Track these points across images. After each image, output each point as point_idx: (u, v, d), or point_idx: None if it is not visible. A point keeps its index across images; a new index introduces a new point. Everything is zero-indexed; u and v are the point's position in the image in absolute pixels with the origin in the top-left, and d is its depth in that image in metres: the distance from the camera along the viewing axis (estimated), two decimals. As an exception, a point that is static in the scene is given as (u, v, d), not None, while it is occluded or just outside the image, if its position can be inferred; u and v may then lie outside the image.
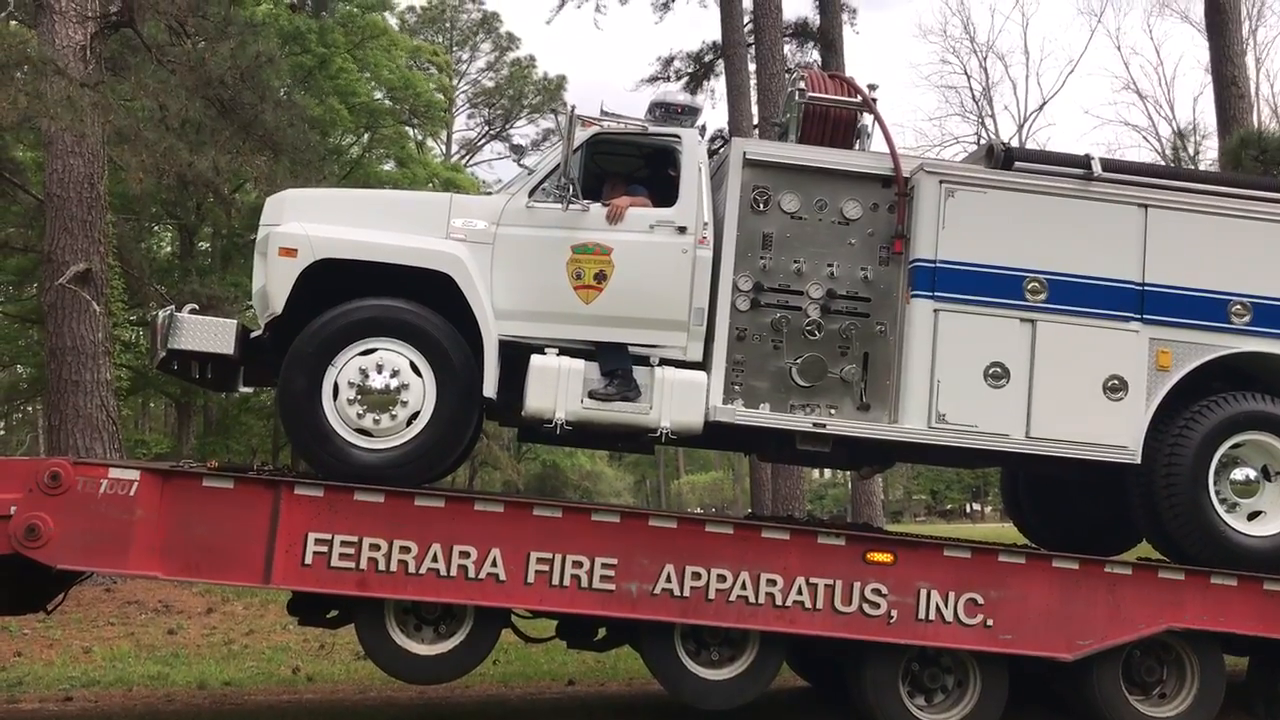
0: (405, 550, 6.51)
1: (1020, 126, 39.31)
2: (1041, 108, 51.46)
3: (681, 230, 7.02)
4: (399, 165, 35.12)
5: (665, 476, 65.55)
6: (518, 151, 42.31)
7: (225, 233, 33.05)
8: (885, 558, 6.88)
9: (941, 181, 7.12)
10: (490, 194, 7.65)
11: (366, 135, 35.22)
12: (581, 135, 7.12)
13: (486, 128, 44.86)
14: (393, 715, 8.15)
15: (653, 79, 25.91)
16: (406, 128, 37.53)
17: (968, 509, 66.82)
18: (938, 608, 6.85)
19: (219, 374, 7.60)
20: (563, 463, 50.35)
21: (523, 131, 44.72)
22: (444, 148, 43.63)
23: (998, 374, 7.02)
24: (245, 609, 13.41)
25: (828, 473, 57.28)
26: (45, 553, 6.24)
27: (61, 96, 11.14)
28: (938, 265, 7.04)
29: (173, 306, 7.02)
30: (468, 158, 44.18)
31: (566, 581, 6.64)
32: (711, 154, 7.58)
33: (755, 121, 19.29)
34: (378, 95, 34.44)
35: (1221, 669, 7.26)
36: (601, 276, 6.96)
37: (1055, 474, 7.72)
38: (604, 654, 9.68)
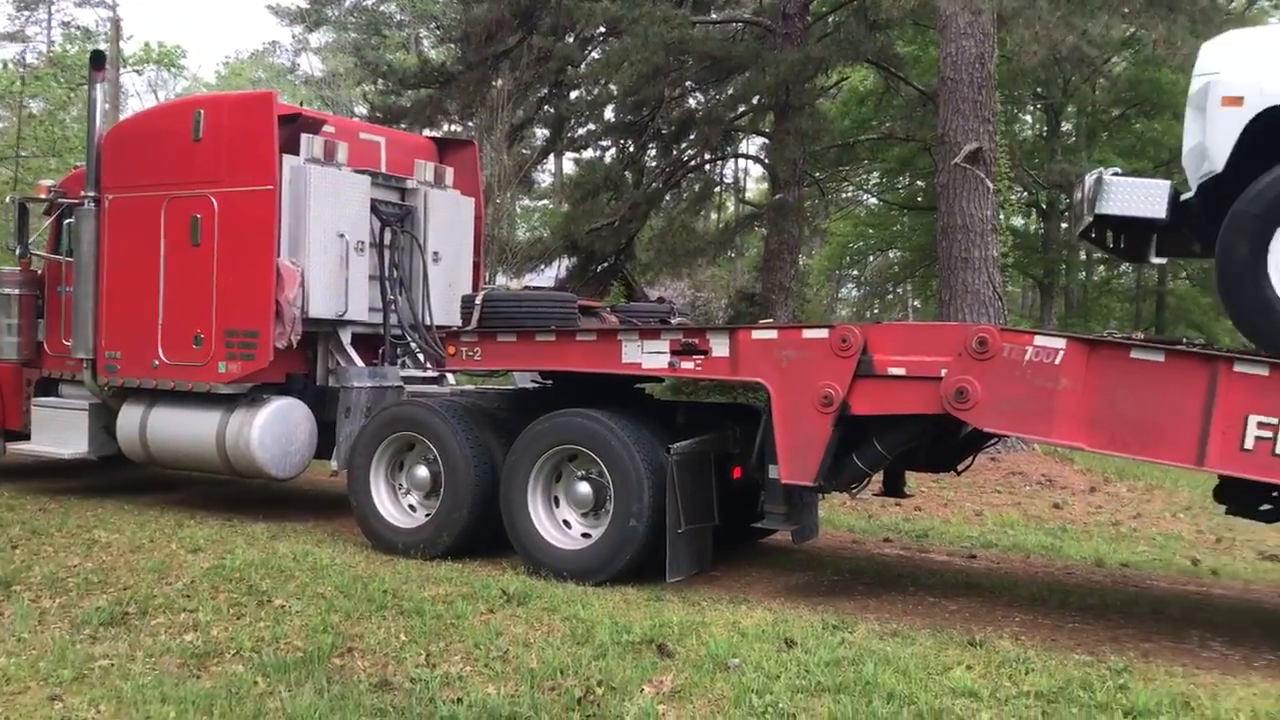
0: (1372, 443, 5.56)
1: None
2: None
3: None
4: (1288, 17, 30.81)
5: None
6: None
7: (1089, 110, 32.18)
8: None
9: None
10: None
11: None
12: None
13: None
14: (1326, 629, 7.19)
15: None
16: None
17: None
18: None
19: (1132, 243, 7.20)
20: None
21: None
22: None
23: None
24: (1129, 491, 13.03)
25: None
26: (973, 414, 6.45)
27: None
28: None
29: (1100, 169, 6.72)
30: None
31: None
32: None
33: None
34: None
35: None
36: None
37: None
38: None
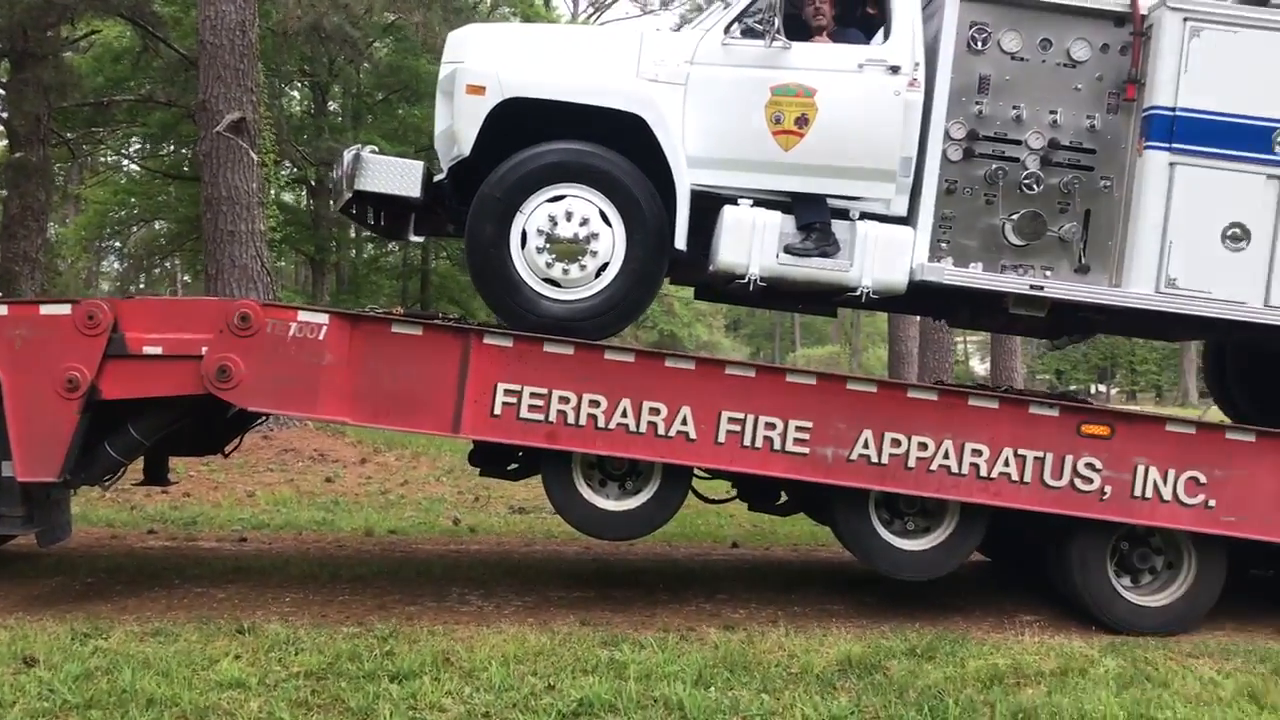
0: (595, 404, 6.30)
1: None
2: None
3: (894, 70, 6.47)
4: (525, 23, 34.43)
5: (781, 349, 65.18)
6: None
7: (355, 92, 33.05)
8: (1101, 430, 6.44)
9: (1186, 19, 6.40)
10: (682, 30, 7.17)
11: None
12: (785, -35, 6.54)
13: (614, -15, 43.51)
14: (563, 569, 8.10)
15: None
16: (534, -17, 36.70)
17: (1093, 390, 65.09)
18: (1155, 485, 6.42)
19: (391, 221, 7.41)
20: (680, 333, 50.20)
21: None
22: (571, 5, 42.63)
23: (1237, 236, 6.41)
24: (397, 460, 13.60)
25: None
26: (236, 394, 6.19)
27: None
28: (1177, 113, 6.38)
29: (358, 146, 6.78)
30: (596, 16, 43.13)
31: (759, 443, 6.37)
32: None
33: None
34: (508, -51, 33.59)
35: None
36: (803, 121, 6.47)
37: (1283, 348, 7.12)
38: (762, 519, 9.58)
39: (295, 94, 34.33)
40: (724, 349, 60.03)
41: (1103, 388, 64.07)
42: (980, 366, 54.12)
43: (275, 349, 6.16)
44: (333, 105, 33.97)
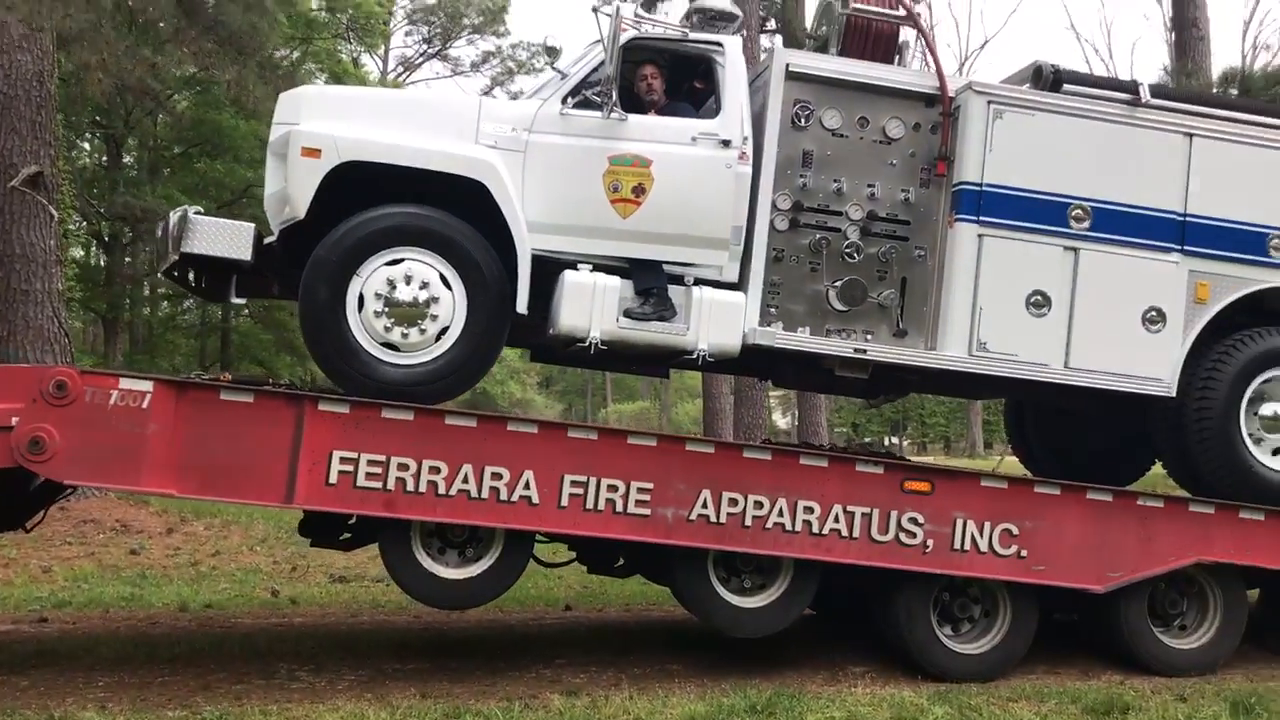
0: (435, 470, 6.21)
1: (961, 65, 39.36)
2: (984, 46, 51.69)
3: (725, 144, 6.72)
4: (334, 81, 33.85)
5: (593, 405, 65.57)
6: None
7: (152, 145, 31.73)
8: (923, 487, 6.78)
9: (990, 102, 6.91)
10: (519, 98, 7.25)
11: (297, 52, 33.73)
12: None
13: (425, 46, 43.46)
14: (394, 639, 7.89)
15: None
16: (342, 41, 36.19)
17: (886, 442, 67.99)
18: (973, 538, 6.78)
19: (213, 282, 7.19)
20: (493, 390, 49.89)
21: (463, 52, 43.55)
22: (381, 65, 42.26)
23: (1039, 302, 6.91)
24: (206, 529, 12.97)
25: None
26: (50, 467, 5.83)
27: (17, -16, 10.33)
28: (984, 189, 6.86)
29: (185, 207, 6.54)
30: (405, 76, 42.89)
31: (601, 505, 6.42)
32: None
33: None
34: (314, 4, 33.01)
35: (1244, 602, 7.35)
36: (640, 190, 6.64)
37: (1081, 406, 7.66)
38: (593, 580, 9.60)
39: (87, 145, 32.69)
40: (537, 406, 59.87)
41: (895, 440, 67.11)
42: (783, 421, 55.83)
43: (95, 419, 5.84)
44: (128, 158, 32.49)
